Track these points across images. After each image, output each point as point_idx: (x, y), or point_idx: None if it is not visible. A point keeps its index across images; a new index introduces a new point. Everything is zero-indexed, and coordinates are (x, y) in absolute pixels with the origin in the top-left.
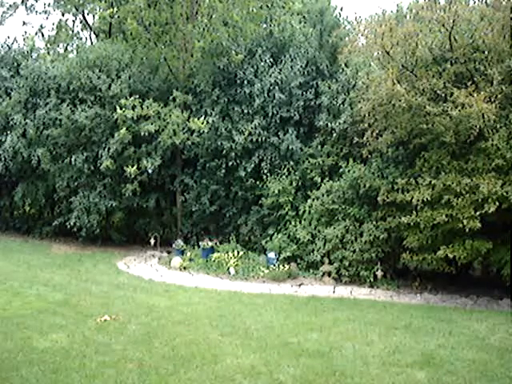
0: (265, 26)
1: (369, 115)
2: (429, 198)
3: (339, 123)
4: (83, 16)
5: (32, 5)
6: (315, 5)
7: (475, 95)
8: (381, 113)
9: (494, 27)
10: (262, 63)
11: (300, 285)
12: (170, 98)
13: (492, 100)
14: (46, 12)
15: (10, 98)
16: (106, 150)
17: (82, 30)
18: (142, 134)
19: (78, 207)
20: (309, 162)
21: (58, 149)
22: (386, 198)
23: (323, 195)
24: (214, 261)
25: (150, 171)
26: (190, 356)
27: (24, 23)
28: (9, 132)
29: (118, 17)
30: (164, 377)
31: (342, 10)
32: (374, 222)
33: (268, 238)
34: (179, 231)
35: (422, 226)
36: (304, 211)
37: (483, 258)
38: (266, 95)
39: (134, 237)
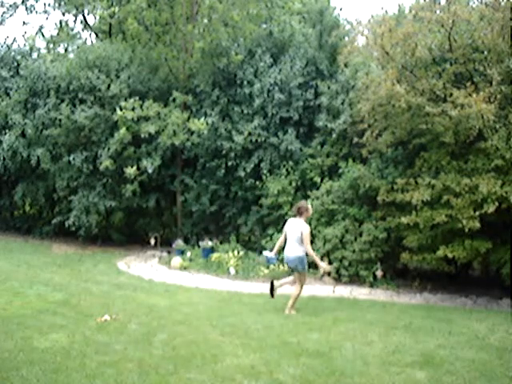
0: (264, 26)
1: (368, 115)
2: (428, 198)
3: (339, 123)
4: (83, 16)
5: (32, 5)
6: (315, 5)
7: (474, 95)
8: (380, 113)
9: (493, 27)
10: (262, 63)
11: None
12: (170, 98)
13: (491, 100)
14: (46, 12)
15: (10, 98)
16: (106, 150)
17: (82, 30)
18: (142, 135)
19: (77, 207)
20: (308, 162)
21: (58, 149)
22: (385, 198)
23: (323, 195)
24: (214, 261)
25: (150, 171)
26: (190, 356)
27: (24, 23)
28: (7, 131)
29: (118, 17)
30: (164, 376)
31: (341, 10)
32: (374, 222)
33: (268, 238)
34: (179, 231)
35: (422, 225)
36: None
37: (483, 257)
38: (265, 95)
39: (134, 237)
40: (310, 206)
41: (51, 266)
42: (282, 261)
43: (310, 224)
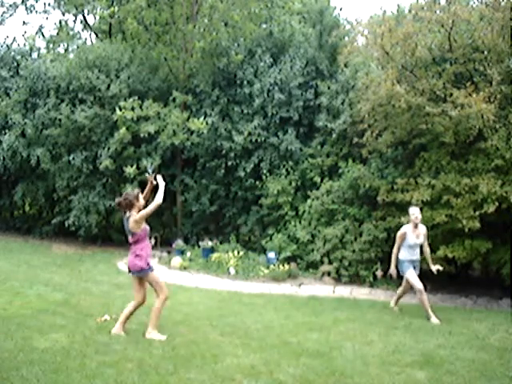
0: (265, 26)
1: (368, 115)
2: (428, 198)
3: (339, 123)
4: (83, 16)
5: (32, 5)
6: (315, 5)
7: (474, 95)
8: (380, 113)
9: (493, 27)
10: (262, 63)
11: (300, 285)
12: (170, 98)
13: (491, 100)
14: (46, 12)
15: (10, 98)
16: (106, 149)
17: (82, 30)
18: (142, 135)
19: (77, 206)
20: (308, 162)
21: (58, 149)
22: (385, 198)
23: (323, 195)
24: (214, 261)
25: (149, 171)
26: (190, 356)
27: (24, 23)
28: (7, 131)
29: (118, 17)
30: (164, 376)
31: (341, 10)
32: (374, 222)
33: (268, 238)
34: (179, 231)
35: None
36: (304, 211)
37: (483, 257)
38: (265, 95)
39: None
40: (411, 210)
41: (51, 266)
42: (282, 261)
43: (309, 224)
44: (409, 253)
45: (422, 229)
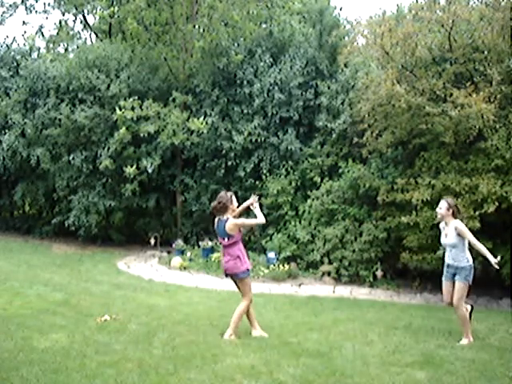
0: (265, 26)
1: (368, 115)
2: (428, 198)
3: (339, 123)
4: (83, 16)
5: (32, 5)
6: (315, 5)
7: (474, 95)
8: (380, 113)
9: (493, 27)
10: (262, 63)
11: (300, 285)
12: (170, 98)
13: (491, 100)
14: (45, 12)
15: (10, 98)
16: (106, 149)
17: (82, 30)
18: (142, 135)
19: (77, 206)
20: (308, 162)
21: (58, 149)
22: (385, 198)
23: (323, 195)
24: (214, 261)
25: (149, 171)
26: (190, 356)
27: (24, 23)
28: (7, 131)
29: (118, 17)
30: (164, 377)
31: (341, 10)
32: (374, 222)
33: (268, 238)
34: (179, 231)
35: (422, 225)
36: (304, 211)
37: (483, 257)
38: (265, 95)
39: (134, 237)
40: (439, 203)
41: (51, 266)
42: (282, 261)
43: (309, 224)
44: (445, 254)
45: (452, 226)
